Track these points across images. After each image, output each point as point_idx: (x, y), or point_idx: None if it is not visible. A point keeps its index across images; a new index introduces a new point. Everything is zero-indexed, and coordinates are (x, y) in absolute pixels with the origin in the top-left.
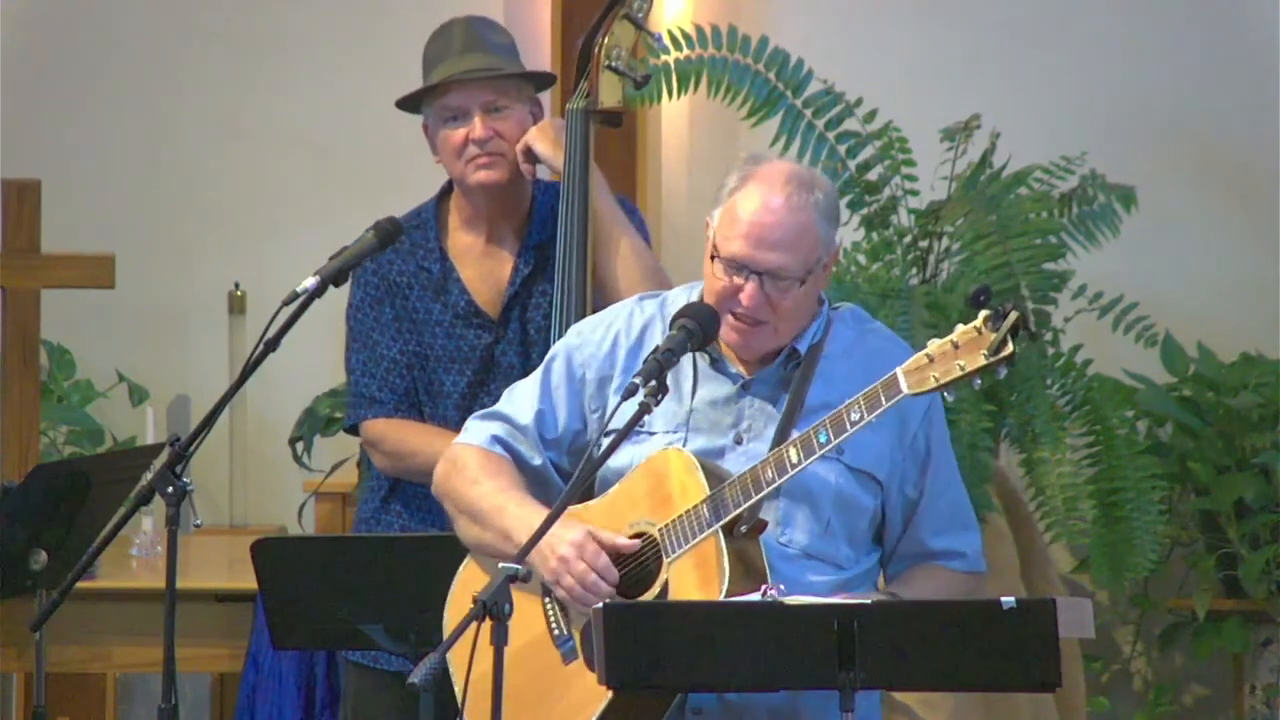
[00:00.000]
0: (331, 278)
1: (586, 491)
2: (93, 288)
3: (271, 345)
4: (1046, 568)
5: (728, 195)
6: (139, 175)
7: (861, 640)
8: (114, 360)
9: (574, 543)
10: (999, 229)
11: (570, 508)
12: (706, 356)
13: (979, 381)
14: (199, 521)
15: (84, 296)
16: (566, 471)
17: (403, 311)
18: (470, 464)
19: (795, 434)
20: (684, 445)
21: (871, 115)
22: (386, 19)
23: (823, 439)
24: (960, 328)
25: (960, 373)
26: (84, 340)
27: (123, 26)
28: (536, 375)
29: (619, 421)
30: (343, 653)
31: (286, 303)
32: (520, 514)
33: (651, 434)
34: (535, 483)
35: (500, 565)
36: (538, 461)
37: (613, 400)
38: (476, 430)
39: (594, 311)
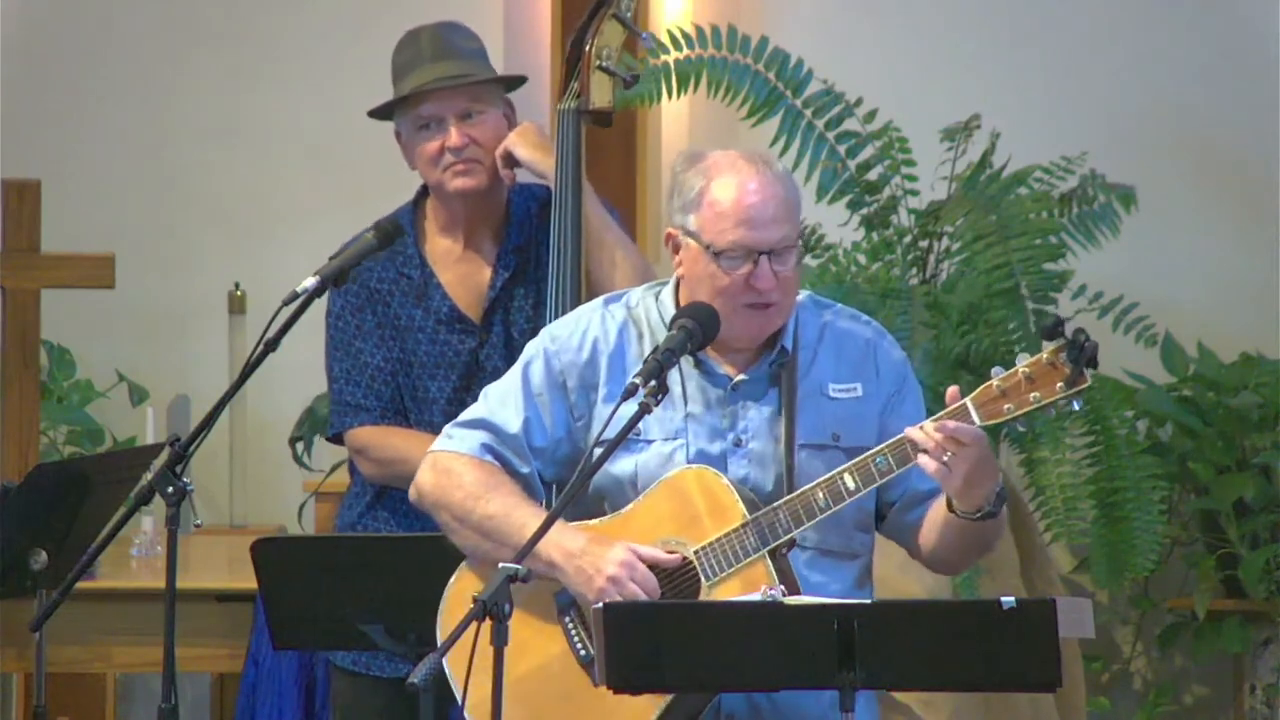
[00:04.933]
0: (331, 278)
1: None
2: (93, 288)
3: (271, 345)
4: (1046, 568)
5: (698, 196)
6: (139, 175)
7: (861, 640)
8: (114, 360)
9: (623, 563)
10: (999, 229)
11: (587, 523)
12: (691, 359)
13: (1053, 412)
14: (199, 521)
15: (84, 296)
16: (546, 480)
17: (385, 318)
18: (467, 477)
19: (802, 436)
20: (686, 451)
21: (871, 115)
22: (386, 19)
23: (881, 465)
24: (1027, 358)
25: (1035, 405)
26: (84, 340)
27: (123, 27)
28: (514, 382)
29: (612, 432)
30: (331, 658)
31: (286, 303)
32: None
33: (649, 441)
34: (523, 490)
35: (500, 565)
36: (525, 470)
37: (601, 408)
38: (463, 439)
39: None
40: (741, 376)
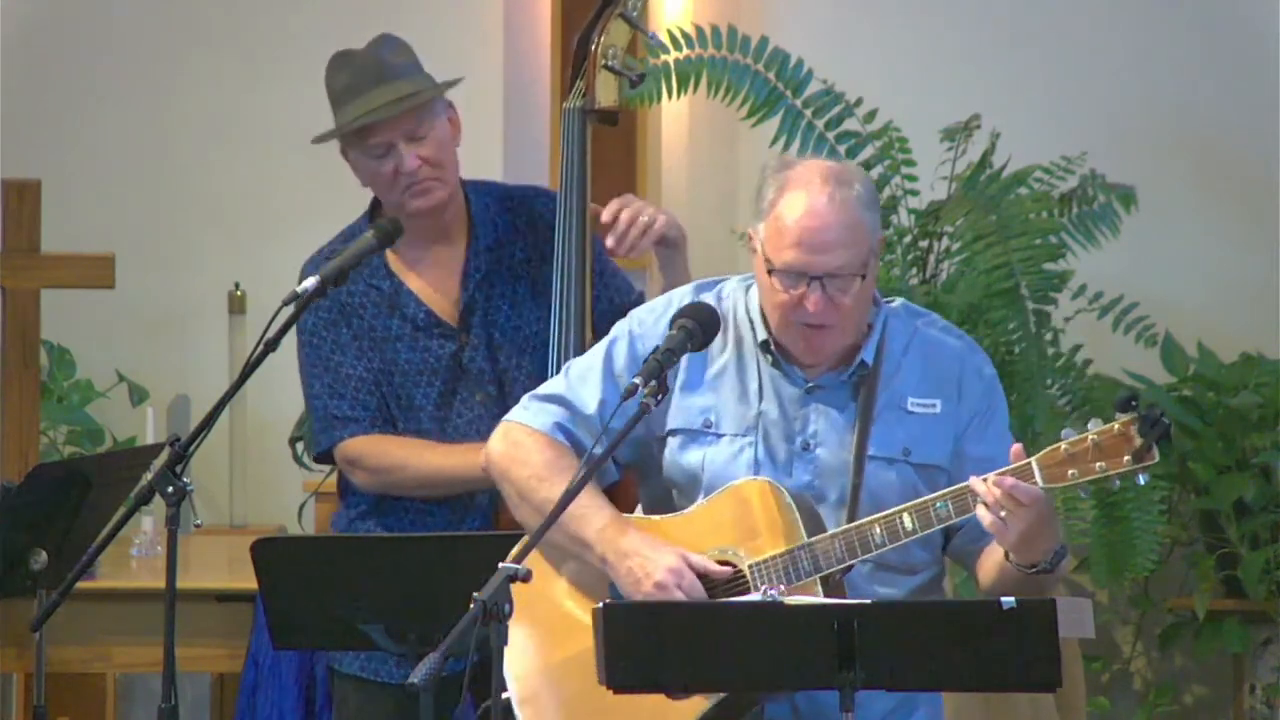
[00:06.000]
0: (332, 278)
1: (663, 498)
2: (93, 288)
3: (271, 345)
4: None
5: (769, 206)
6: (139, 175)
7: (861, 640)
8: (114, 360)
9: (672, 569)
10: (999, 229)
11: (650, 518)
12: (770, 357)
13: (1118, 483)
14: (199, 521)
15: (84, 296)
16: (619, 461)
17: (360, 330)
18: (535, 456)
19: (872, 447)
20: (754, 449)
21: (871, 115)
22: (386, 19)
23: (940, 511)
24: (1099, 425)
25: (1099, 474)
26: (84, 340)
27: (122, 26)
28: (596, 360)
29: (684, 421)
30: (334, 664)
31: (286, 303)
32: (599, 524)
33: (720, 435)
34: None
35: (501, 565)
36: (598, 451)
37: (679, 395)
38: (537, 413)
39: (593, 314)
40: (818, 381)
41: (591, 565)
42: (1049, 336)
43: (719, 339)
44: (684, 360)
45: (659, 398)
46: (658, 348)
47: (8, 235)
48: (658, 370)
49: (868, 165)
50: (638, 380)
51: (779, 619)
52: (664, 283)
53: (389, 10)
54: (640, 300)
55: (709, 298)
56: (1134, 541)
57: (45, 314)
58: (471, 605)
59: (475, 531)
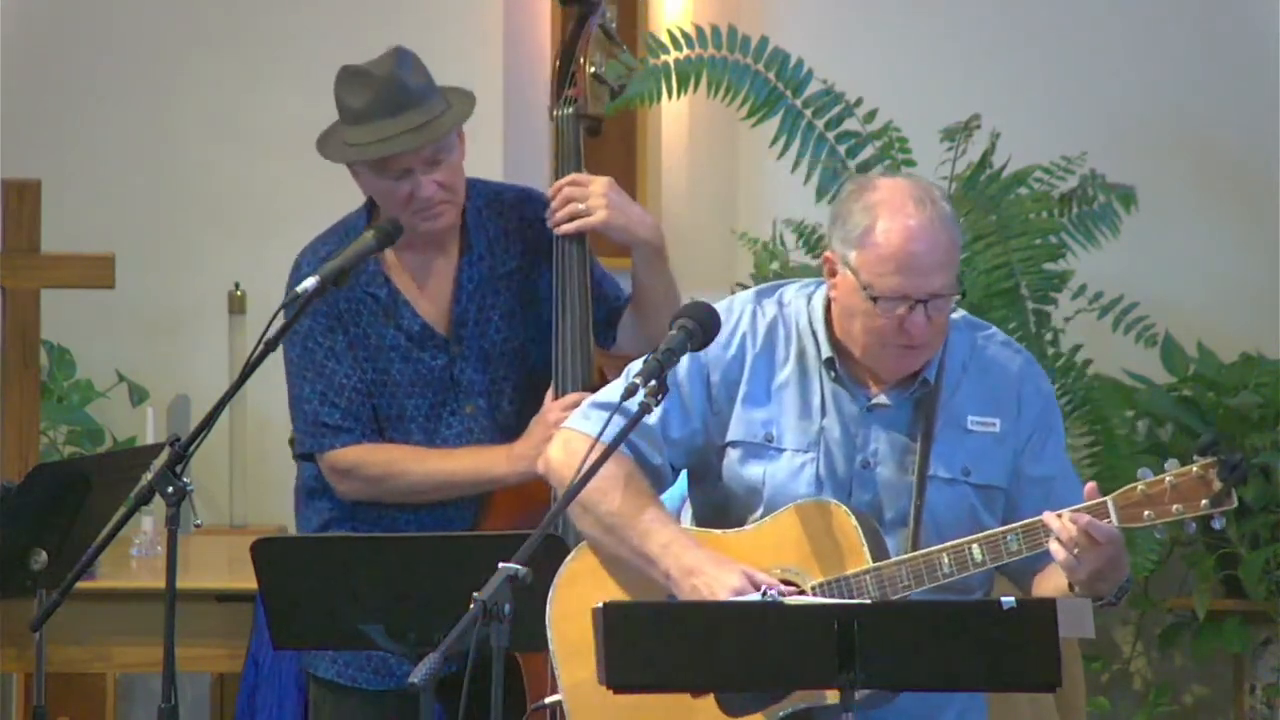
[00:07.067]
0: (331, 278)
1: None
2: (93, 288)
3: (271, 345)
4: None
5: (861, 232)
6: (139, 175)
7: (861, 640)
8: (114, 360)
9: (736, 590)
10: (999, 229)
11: (713, 532)
12: (831, 372)
13: (1193, 526)
14: (199, 521)
15: (84, 296)
16: (678, 469)
17: (357, 339)
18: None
19: (932, 467)
20: (816, 466)
21: (871, 115)
22: (387, 19)
23: (1011, 545)
24: (1176, 467)
25: (1176, 516)
26: (84, 340)
27: (123, 26)
28: None
29: (745, 433)
30: (311, 669)
31: (287, 304)
32: (664, 539)
33: (781, 450)
34: (653, 482)
35: (500, 565)
36: (657, 461)
37: (740, 407)
38: (598, 422)
39: (595, 324)
40: (880, 398)
41: (655, 579)
42: (1049, 336)
43: (783, 348)
44: (747, 370)
45: (659, 398)
46: (658, 347)
47: (8, 235)
48: (657, 370)
49: (868, 165)
50: (637, 380)
51: (779, 619)
52: (633, 289)
53: (389, 11)
54: (627, 304)
55: (770, 304)
56: (1134, 541)
57: (45, 314)
58: (471, 605)
59: (476, 532)
